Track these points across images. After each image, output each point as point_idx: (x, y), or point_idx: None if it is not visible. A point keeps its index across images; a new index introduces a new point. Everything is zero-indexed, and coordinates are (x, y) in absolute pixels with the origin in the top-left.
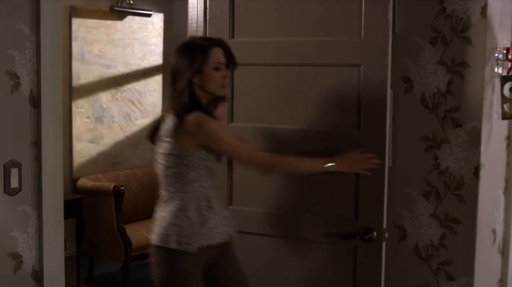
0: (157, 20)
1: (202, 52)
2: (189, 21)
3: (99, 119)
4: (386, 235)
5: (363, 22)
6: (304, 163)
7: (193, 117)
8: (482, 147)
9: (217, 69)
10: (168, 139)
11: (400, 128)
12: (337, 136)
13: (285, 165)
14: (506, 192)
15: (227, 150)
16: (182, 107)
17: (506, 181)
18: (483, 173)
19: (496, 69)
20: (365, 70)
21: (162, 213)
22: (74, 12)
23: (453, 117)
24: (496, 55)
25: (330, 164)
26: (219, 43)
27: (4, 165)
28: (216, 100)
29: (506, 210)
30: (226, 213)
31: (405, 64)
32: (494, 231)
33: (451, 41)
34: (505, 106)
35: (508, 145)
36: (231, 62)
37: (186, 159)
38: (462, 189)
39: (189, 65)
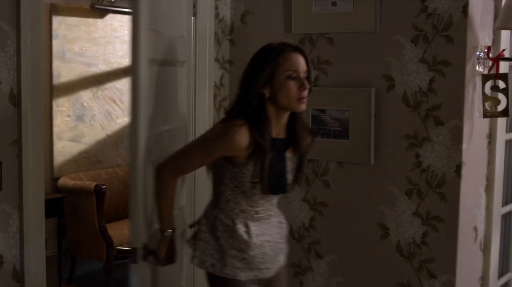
0: None
1: (275, 56)
2: None
3: (80, 118)
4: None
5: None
6: (164, 206)
7: (231, 121)
8: (464, 145)
9: (292, 78)
10: None
11: (382, 126)
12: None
13: (156, 189)
14: (487, 189)
15: (192, 142)
16: (231, 112)
17: (487, 179)
18: (464, 171)
19: (477, 68)
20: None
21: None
22: (55, 10)
23: (435, 115)
24: (478, 53)
25: (166, 234)
26: (298, 49)
27: None
28: (294, 118)
29: (487, 207)
30: (280, 246)
31: (387, 62)
32: (475, 229)
33: (432, 40)
34: (486, 104)
35: (489, 143)
36: (308, 77)
37: (218, 170)
38: (444, 187)
39: (258, 71)
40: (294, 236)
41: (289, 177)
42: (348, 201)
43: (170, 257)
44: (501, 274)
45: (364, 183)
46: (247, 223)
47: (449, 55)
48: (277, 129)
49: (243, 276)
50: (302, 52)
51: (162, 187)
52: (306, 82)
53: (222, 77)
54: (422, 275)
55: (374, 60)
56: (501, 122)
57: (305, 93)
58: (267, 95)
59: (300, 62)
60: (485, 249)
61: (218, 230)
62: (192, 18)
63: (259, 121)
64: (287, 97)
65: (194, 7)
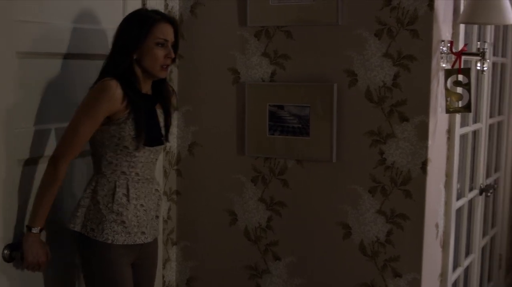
0: None
1: (148, 24)
2: None
3: None
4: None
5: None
6: (43, 199)
7: (102, 80)
8: (429, 142)
9: (160, 45)
10: None
11: (344, 122)
12: None
13: (44, 181)
14: (446, 185)
15: (73, 116)
16: (103, 72)
17: (447, 175)
18: (429, 167)
19: (441, 62)
20: None
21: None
22: None
23: (400, 111)
24: (441, 48)
25: (34, 231)
26: (171, 20)
27: None
28: (157, 84)
29: (446, 204)
30: (154, 213)
31: (349, 57)
32: (437, 226)
33: (397, 34)
34: (448, 99)
35: (448, 138)
36: (175, 47)
37: (96, 135)
38: (409, 185)
39: (132, 37)
40: (250, 237)
41: (162, 130)
42: (308, 201)
43: (38, 259)
44: (453, 269)
45: (326, 182)
46: (128, 185)
47: (414, 49)
48: (145, 87)
49: (121, 240)
50: (173, 23)
51: (50, 178)
52: (172, 51)
53: (170, 71)
54: (386, 274)
55: (336, 54)
56: (458, 117)
57: (169, 61)
58: (135, 57)
59: (170, 32)
60: (444, 245)
61: (98, 195)
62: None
63: (127, 78)
64: (153, 62)
65: None
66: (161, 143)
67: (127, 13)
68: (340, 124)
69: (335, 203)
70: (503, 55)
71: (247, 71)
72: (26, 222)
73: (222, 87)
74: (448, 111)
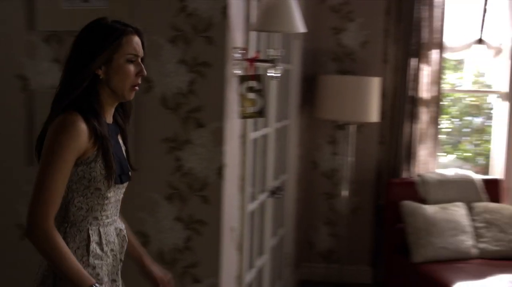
0: None
1: (116, 37)
2: None
3: None
4: None
5: None
6: (72, 268)
7: (62, 117)
8: (225, 147)
9: (131, 61)
10: None
11: (140, 129)
12: None
13: (48, 251)
14: (240, 189)
15: (40, 168)
16: (59, 103)
17: (241, 179)
18: (226, 172)
19: (235, 69)
20: None
21: None
22: None
23: (196, 117)
24: (235, 54)
25: None
26: (139, 32)
27: None
28: (122, 106)
29: (241, 207)
30: (120, 257)
31: (146, 63)
32: (232, 229)
33: (192, 40)
34: (242, 105)
35: (242, 143)
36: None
37: None
38: (206, 190)
39: (94, 51)
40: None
41: (127, 163)
42: None
43: None
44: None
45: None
46: (99, 232)
47: (209, 56)
48: (109, 113)
49: None
50: (141, 36)
51: (49, 244)
52: (143, 68)
53: None
54: (185, 280)
55: None
56: (250, 122)
57: (140, 80)
58: (101, 76)
59: (140, 45)
60: (240, 248)
61: (70, 247)
62: None
63: (91, 107)
64: (123, 82)
65: None
66: (129, 179)
67: None
68: (136, 131)
69: (132, 211)
70: (288, 62)
71: (37, 77)
72: None
73: (8, 95)
74: (243, 116)
